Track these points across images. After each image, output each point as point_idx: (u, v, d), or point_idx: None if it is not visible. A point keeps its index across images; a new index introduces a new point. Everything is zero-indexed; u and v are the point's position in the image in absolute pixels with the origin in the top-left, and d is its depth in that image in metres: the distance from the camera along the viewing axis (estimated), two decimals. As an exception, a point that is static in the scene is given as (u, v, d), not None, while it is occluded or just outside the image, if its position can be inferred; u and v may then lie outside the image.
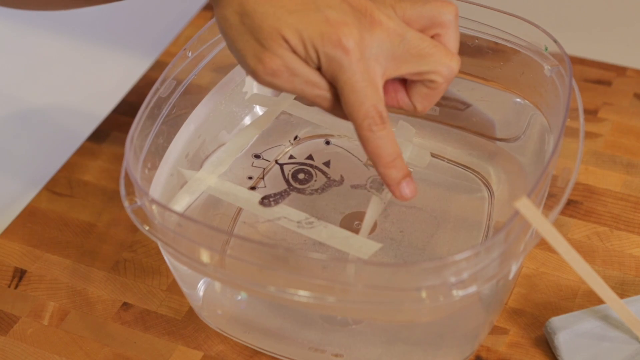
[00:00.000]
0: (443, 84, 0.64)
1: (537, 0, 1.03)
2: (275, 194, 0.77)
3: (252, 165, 0.81)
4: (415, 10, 0.65)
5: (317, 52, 0.62)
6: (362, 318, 0.71)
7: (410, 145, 0.77)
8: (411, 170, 0.80)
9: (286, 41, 0.62)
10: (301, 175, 0.80)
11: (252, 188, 0.80)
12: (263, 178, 0.80)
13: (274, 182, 0.80)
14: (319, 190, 0.79)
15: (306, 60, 0.63)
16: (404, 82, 0.66)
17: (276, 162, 0.82)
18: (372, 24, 0.62)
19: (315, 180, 0.80)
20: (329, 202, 0.79)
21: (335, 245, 0.69)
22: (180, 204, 0.73)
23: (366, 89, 0.62)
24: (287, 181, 0.80)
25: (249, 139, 0.78)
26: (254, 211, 0.73)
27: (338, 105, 0.64)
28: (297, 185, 0.79)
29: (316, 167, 0.81)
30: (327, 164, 0.81)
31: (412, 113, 0.67)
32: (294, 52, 0.62)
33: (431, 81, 0.64)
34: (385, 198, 0.73)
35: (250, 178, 0.80)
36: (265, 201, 0.73)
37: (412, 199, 0.66)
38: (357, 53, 0.62)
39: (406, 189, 0.66)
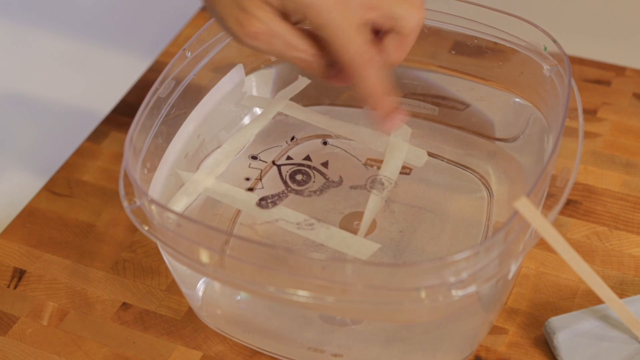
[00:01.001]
0: (410, 31, 0.67)
1: (536, 0, 1.03)
2: (273, 195, 0.77)
3: (249, 167, 0.81)
4: None
5: (295, 3, 0.63)
6: (362, 318, 0.71)
7: (407, 145, 0.77)
8: (411, 170, 0.81)
9: (265, 2, 0.63)
10: (299, 177, 0.80)
11: (250, 189, 0.80)
12: (261, 179, 0.80)
13: (272, 184, 0.80)
14: (317, 192, 0.79)
15: (286, 16, 0.64)
16: (374, 35, 0.68)
17: (273, 163, 0.82)
18: None
19: (314, 182, 0.80)
20: (328, 203, 0.79)
21: (334, 246, 0.69)
22: (178, 205, 0.73)
23: (350, 29, 0.64)
24: (284, 182, 0.80)
25: (246, 141, 0.78)
26: (252, 212, 0.73)
27: (317, 66, 0.66)
28: (295, 186, 0.79)
29: (314, 168, 0.81)
30: (325, 164, 0.81)
31: (388, 65, 0.68)
32: (273, 10, 0.63)
33: (401, 27, 0.66)
34: (385, 196, 0.73)
35: (247, 179, 0.80)
36: (263, 202, 0.73)
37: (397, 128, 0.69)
38: None
39: (393, 120, 0.68)
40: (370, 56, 0.65)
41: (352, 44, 0.64)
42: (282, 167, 0.81)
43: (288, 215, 0.71)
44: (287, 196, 0.78)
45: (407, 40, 0.68)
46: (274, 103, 0.79)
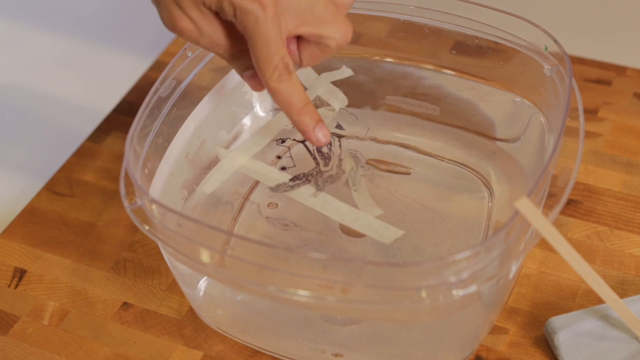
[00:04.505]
0: (334, 49, 0.69)
1: (537, 0, 1.03)
2: (292, 180, 0.76)
3: (277, 144, 0.81)
4: None
5: (233, 6, 0.65)
6: (362, 318, 0.71)
7: (322, 83, 0.79)
8: (411, 170, 0.81)
9: (202, 2, 0.65)
10: (325, 149, 0.79)
11: (283, 168, 0.80)
12: (291, 157, 0.80)
13: (301, 160, 0.80)
14: (333, 178, 0.78)
15: (219, 14, 0.66)
16: (296, 37, 0.69)
17: (295, 140, 0.82)
18: None
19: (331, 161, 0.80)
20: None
21: (359, 228, 0.71)
22: (213, 182, 0.75)
23: (277, 43, 0.66)
24: (314, 158, 0.79)
25: (282, 125, 0.79)
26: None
27: (235, 59, 0.69)
28: (322, 165, 0.78)
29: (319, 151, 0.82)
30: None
31: (297, 65, 0.70)
32: (209, 8, 0.66)
33: (325, 45, 0.69)
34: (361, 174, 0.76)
35: (279, 157, 0.80)
36: (281, 187, 0.74)
37: (326, 142, 0.70)
38: (272, 9, 0.65)
39: (319, 133, 0.70)
40: (289, 71, 0.67)
41: (276, 56, 0.66)
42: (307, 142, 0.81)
43: (318, 195, 0.73)
44: (305, 183, 0.77)
45: (324, 55, 0.70)
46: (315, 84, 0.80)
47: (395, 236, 0.70)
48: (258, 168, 0.76)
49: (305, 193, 0.74)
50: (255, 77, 0.70)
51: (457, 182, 0.81)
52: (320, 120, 0.70)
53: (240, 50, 0.68)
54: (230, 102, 0.81)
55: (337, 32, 0.68)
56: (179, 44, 1.01)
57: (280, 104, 0.68)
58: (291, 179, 0.75)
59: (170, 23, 0.67)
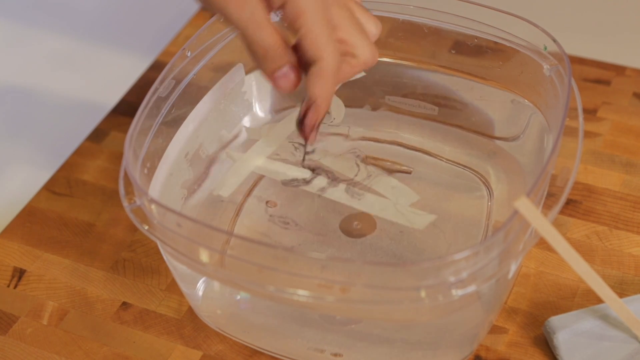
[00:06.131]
0: (361, 64, 0.67)
1: (537, 0, 1.04)
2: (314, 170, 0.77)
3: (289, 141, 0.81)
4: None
5: None
6: (362, 318, 0.71)
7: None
8: (411, 169, 0.81)
9: None
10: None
11: (307, 153, 0.80)
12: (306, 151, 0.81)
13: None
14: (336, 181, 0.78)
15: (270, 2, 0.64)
16: None
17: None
18: None
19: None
20: (329, 203, 0.79)
21: (388, 217, 0.72)
22: (229, 185, 0.76)
23: (326, 24, 0.64)
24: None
25: (292, 128, 0.79)
26: (306, 189, 0.76)
27: (279, 53, 0.65)
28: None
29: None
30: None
31: None
32: None
33: (353, 56, 0.66)
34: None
35: (296, 148, 0.81)
36: (294, 181, 0.75)
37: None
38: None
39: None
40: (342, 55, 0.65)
41: (326, 35, 0.64)
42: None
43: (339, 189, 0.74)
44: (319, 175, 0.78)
45: (350, 71, 0.67)
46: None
47: (428, 221, 0.72)
48: (276, 167, 0.77)
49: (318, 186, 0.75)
50: (287, 75, 0.67)
51: (456, 181, 0.81)
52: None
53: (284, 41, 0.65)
54: (230, 102, 0.81)
55: (367, 48, 0.66)
56: (178, 43, 1.01)
57: (323, 89, 0.66)
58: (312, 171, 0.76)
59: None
